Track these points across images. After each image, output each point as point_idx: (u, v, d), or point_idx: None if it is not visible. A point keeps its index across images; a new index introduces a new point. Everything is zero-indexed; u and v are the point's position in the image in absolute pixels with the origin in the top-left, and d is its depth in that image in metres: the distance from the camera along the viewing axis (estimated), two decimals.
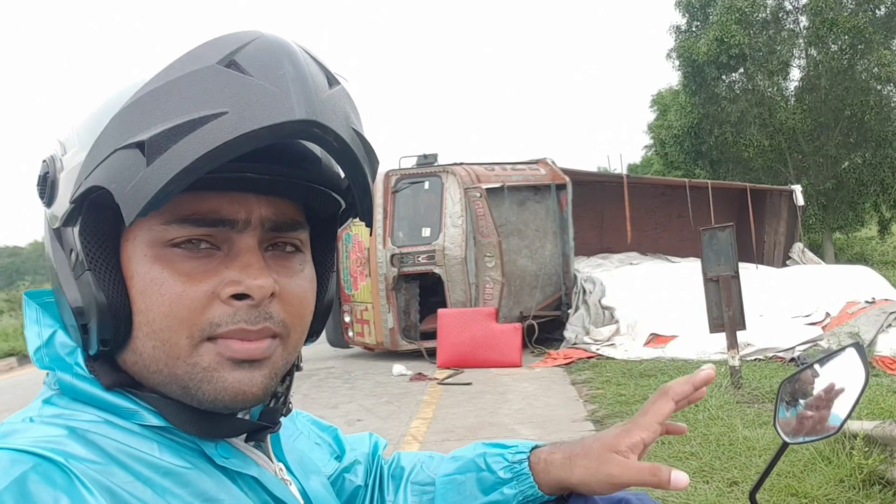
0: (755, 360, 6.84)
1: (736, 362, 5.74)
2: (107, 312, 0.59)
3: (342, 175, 0.66)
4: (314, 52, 0.62)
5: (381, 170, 8.95)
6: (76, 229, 0.60)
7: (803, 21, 22.20)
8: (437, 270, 8.56)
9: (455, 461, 0.89)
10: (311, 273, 0.69)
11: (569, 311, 9.20)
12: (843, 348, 1.02)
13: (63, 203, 0.62)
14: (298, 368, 0.75)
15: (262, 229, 0.63)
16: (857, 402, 0.97)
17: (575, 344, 8.40)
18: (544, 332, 9.02)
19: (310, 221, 0.70)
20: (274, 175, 0.61)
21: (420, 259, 8.59)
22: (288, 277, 0.65)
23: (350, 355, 9.60)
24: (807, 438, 1.01)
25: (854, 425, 3.54)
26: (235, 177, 0.60)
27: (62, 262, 0.62)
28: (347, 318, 9.33)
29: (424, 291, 9.03)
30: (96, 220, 0.60)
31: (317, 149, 0.64)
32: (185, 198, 0.59)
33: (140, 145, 0.55)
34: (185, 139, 0.54)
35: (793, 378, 1.04)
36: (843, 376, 1.02)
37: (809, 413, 0.99)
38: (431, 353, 8.36)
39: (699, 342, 7.19)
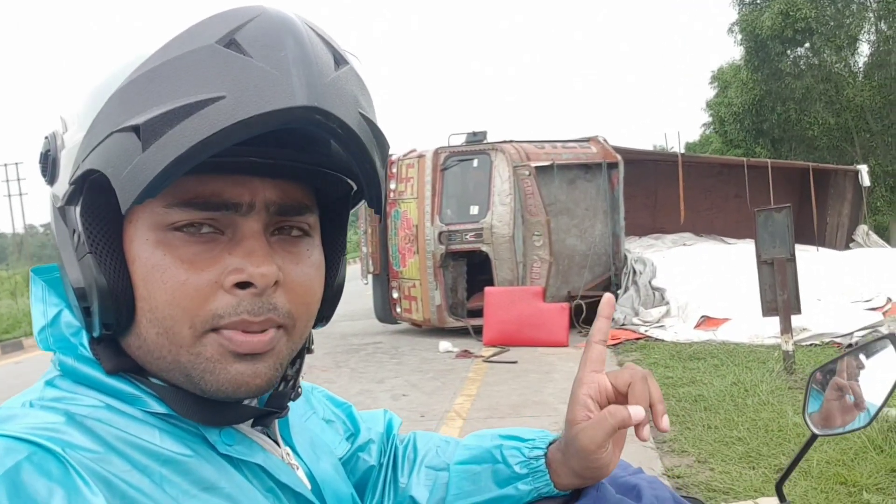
0: (811, 345, 6.65)
1: (790, 347, 5.59)
2: (108, 296, 0.58)
3: None
4: (321, 30, 0.59)
5: (431, 147, 8.96)
6: (78, 210, 0.59)
7: None
8: (484, 248, 8.55)
9: (470, 449, 0.86)
10: (319, 258, 0.67)
11: (618, 291, 9.09)
12: (877, 339, 0.98)
13: (64, 182, 0.60)
14: (309, 351, 0.73)
15: (267, 213, 0.60)
16: (889, 395, 0.93)
17: (623, 325, 8.31)
18: (592, 312, 8.90)
19: (320, 204, 0.67)
20: (279, 159, 0.59)
21: (468, 237, 8.58)
22: (293, 264, 0.63)
23: (397, 331, 9.69)
24: (837, 430, 0.98)
25: None
26: (239, 161, 0.57)
27: (65, 242, 0.61)
28: (395, 295, 9.40)
29: (472, 269, 9.02)
30: (98, 201, 0.58)
31: None
32: (188, 180, 0.56)
33: (136, 129, 0.53)
34: (181, 124, 0.52)
35: (824, 367, 1.01)
36: (880, 368, 0.98)
37: (836, 403, 0.95)
38: (478, 331, 8.37)
39: (752, 326, 7.02)
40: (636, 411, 0.73)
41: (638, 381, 0.75)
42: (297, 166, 0.60)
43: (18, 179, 49.58)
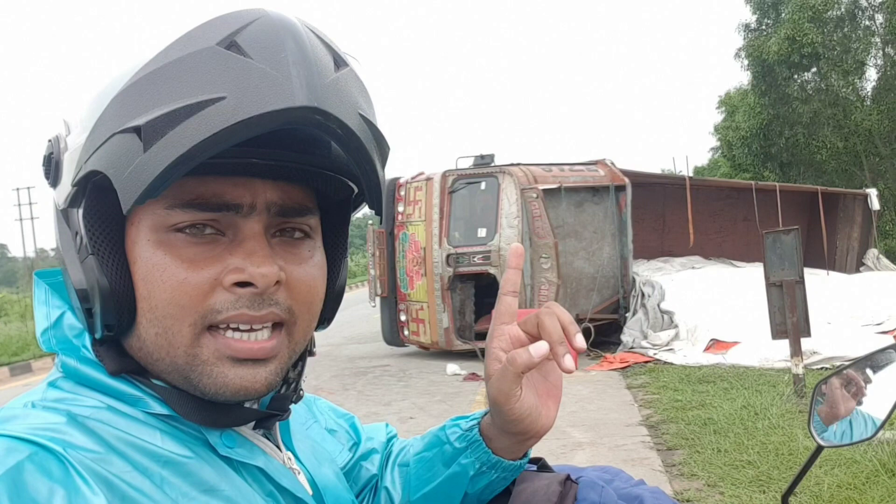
0: (821, 368, 6.59)
1: (799, 370, 5.54)
2: (109, 297, 0.58)
3: None
4: (321, 32, 0.59)
5: (439, 170, 9.01)
6: (80, 212, 0.59)
7: (879, 18, 21.21)
8: (492, 271, 8.54)
9: (423, 439, 0.87)
10: (321, 260, 0.66)
11: (626, 314, 9.06)
12: (883, 350, 0.98)
13: (66, 185, 0.60)
14: (311, 354, 0.73)
15: (268, 214, 0.60)
16: (894, 408, 0.92)
17: (632, 348, 8.27)
18: (601, 335, 8.89)
19: (322, 206, 0.67)
20: (280, 161, 0.59)
21: (475, 259, 8.59)
22: (296, 265, 0.62)
23: (405, 354, 9.68)
24: (842, 442, 0.97)
25: None
26: (241, 162, 0.57)
27: (68, 244, 0.61)
28: (403, 317, 9.40)
29: (480, 292, 9.02)
30: (100, 203, 0.58)
31: None
32: (190, 182, 0.56)
33: (137, 130, 0.53)
34: (182, 125, 0.52)
35: (828, 379, 1.01)
36: (886, 379, 0.98)
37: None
38: (486, 354, 8.31)
39: (762, 349, 6.97)
40: (536, 348, 0.68)
41: (545, 318, 0.70)
42: (298, 168, 0.61)
43: (30, 203, 50.01)
